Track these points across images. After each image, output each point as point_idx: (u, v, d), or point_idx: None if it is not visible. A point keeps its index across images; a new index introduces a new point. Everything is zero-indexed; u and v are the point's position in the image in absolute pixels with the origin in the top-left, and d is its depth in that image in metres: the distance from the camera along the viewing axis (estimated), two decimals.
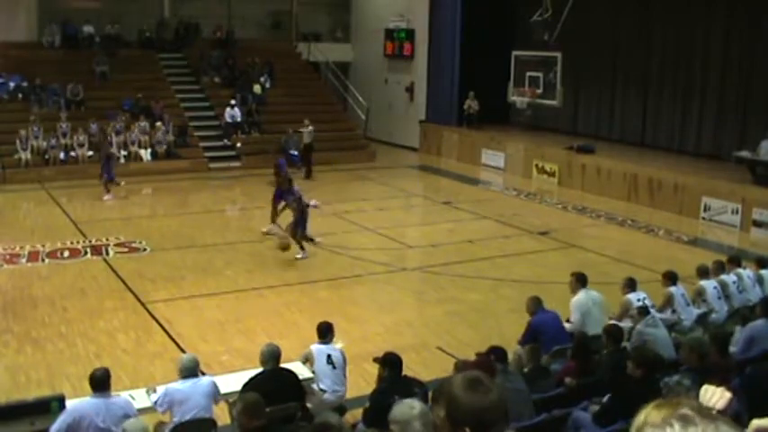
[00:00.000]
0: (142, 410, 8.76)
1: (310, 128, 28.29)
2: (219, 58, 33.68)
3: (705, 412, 2.31)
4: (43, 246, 18.73)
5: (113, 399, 8.24)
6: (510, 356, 9.62)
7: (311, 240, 18.88)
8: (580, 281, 12.28)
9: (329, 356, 10.05)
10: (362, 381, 10.41)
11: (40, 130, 27.66)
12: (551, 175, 27.92)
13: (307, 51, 36.55)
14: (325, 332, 10.32)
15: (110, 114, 29.40)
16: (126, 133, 28.81)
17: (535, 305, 11.55)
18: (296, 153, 29.61)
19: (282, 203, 19.72)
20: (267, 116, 31.98)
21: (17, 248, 18.48)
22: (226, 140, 30.46)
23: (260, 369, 9.21)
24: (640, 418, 2.39)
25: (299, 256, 18.22)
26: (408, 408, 4.84)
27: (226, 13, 35.32)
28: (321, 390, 9.91)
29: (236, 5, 35.52)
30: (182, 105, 31.67)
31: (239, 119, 30.94)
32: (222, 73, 33.26)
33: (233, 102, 31.16)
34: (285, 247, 18.08)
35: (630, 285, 12.48)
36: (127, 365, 11.96)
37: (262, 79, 33.35)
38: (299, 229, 18.34)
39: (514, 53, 29.32)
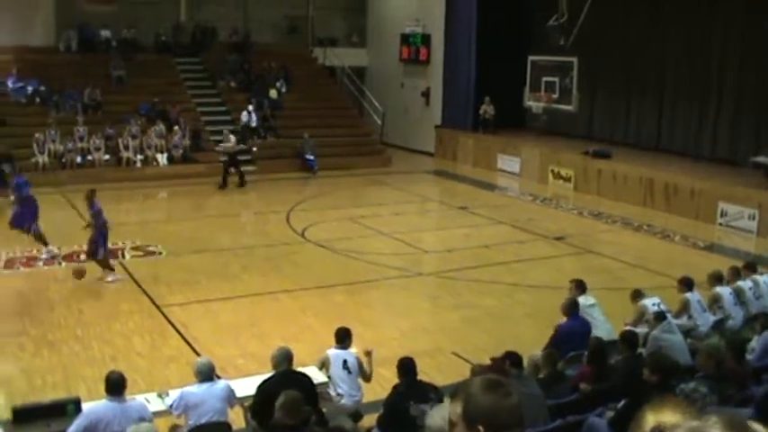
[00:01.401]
0: (157, 414, 8.79)
1: (231, 137, 27.92)
2: (236, 63, 33.75)
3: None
4: (59, 249, 18.78)
5: (129, 402, 8.26)
6: (525, 361, 9.62)
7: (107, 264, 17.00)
8: (579, 287, 12.32)
9: (345, 361, 10.05)
10: (378, 386, 10.40)
11: (57, 134, 27.79)
12: (567, 180, 27.87)
13: (323, 56, 36.61)
14: (343, 337, 10.32)
15: (126, 118, 29.48)
16: (142, 137, 28.91)
17: (570, 308, 11.51)
18: (312, 158, 29.70)
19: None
20: (283, 121, 32.03)
21: (34, 251, 18.53)
22: (242, 145, 30.48)
23: (272, 373, 9.22)
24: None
25: (109, 279, 16.70)
26: (442, 420, 4.81)
27: (242, 18, 35.41)
28: (338, 395, 9.91)
29: (253, 10, 35.61)
30: (198, 110, 31.74)
31: (255, 123, 30.99)
32: (238, 77, 33.32)
33: (249, 107, 31.20)
34: (80, 274, 16.25)
35: (638, 295, 12.47)
36: (142, 369, 11.99)
37: (278, 84, 33.42)
38: (100, 249, 16.62)
39: (530, 58, 29.35)
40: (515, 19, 32.11)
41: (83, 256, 17.48)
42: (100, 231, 16.60)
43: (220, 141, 27.98)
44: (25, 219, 18.15)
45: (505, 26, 31.40)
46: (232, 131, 28.31)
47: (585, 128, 31.21)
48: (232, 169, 27.04)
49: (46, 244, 18.28)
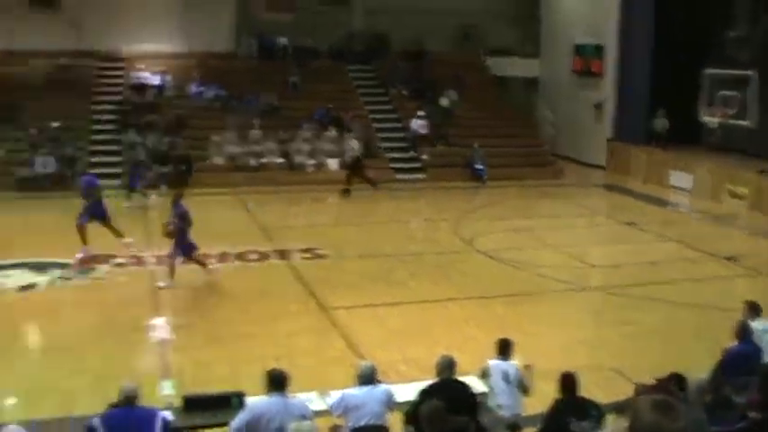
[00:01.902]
0: (317, 413, 8.96)
1: (353, 143, 27.86)
2: (408, 71, 34.08)
3: None
4: (232, 248, 19.38)
5: (291, 399, 8.45)
6: (690, 384, 9.38)
7: (203, 265, 17.20)
8: (753, 310, 11.81)
9: (506, 373, 10.00)
10: (537, 400, 10.32)
11: (233, 137, 28.73)
12: (742, 198, 26.94)
13: (495, 66, 36.56)
14: (505, 348, 10.27)
15: (300, 123, 30.22)
16: (315, 142, 29.54)
17: (742, 332, 11.05)
18: (481, 167, 29.71)
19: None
20: (454, 129, 32.14)
21: (208, 249, 19.16)
22: (413, 152, 30.80)
23: (434, 379, 9.28)
24: None
25: (161, 284, 16.71)
26: None
27: (416, 26, 35.64)
28: (498, 406, 9.88)
29: (426, 18, 35.75)
30: (370, 116, 32.23)
31: (426, 131, 31.22)
32: (410, 85, 33.65)
33: (420, 113, 31.50)
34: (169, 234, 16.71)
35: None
36: (305, 369, 12.19)
37: (449, 92, 33.54)
38: (176, 253, 16.74)
39: (707, 71, 28.53)
40: (692, 31, 31.23)
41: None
42: (182, 235, 16.68)
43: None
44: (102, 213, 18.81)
45: (681, 38, 30.61)
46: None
47: (763, 145, 30.01)
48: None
49: (85, 243, 18.58)
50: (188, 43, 32.55)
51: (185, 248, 16.76)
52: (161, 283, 16.69)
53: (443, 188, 28.43)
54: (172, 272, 16.73)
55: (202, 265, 17.21)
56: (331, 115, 30.85)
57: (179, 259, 16.86)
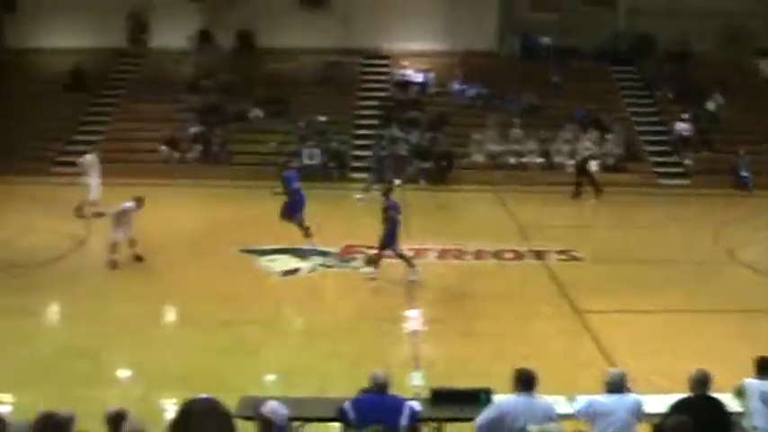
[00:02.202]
0: (563, 416, 8.91)
1: (584, 143, 26.89)
2: (673, 73, 33.15)
3: None
4: (488, 245, 19.53)
5: (538, 400, 8.44)
6: None
7: (407, 260, 17.08)
8: None
9: (764, 393, 9.58)
10: None
11: (494, 136, 28.99)
12: None
13: (765, 68, 34.84)
14: (764, 367, 9.84)
15: (561, 124, 30.06)
16: (575, 143, 29.29)
17: None
18: (747, 175, 28.53)
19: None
20: (720, 135, 30.98)
21: (465, 246, 19.42)
22: (676, 156, 29.98)
23: (687, 393, 9.03)
24: None
25: (412, 277, 16.86)
26: None
27: (681, 26, 34.43)
28: (753, 428, 9.51)
29: (693, 18, 34.44)
30: (632, 119, 31.58)
31: (689, 134, 30.30)
32: (675, 87, 32.69)
33: (684, 116, 30.62)
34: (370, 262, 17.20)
35: None
36: (553, 370, 12.06)
37: (716, 96, 32.33)
38: (387, 244, 16.79)
39: None
40: None
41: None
42: (390, 228, 16.77)
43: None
44: (290, 210, 19.12)
45: None
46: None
47: None
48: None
49: (310, 235, 19.12)
50: (451, 42, 33.15)
51: (388, 241, 16.89)
52: (411, 277, 16.97)
53: (706, 195, 27.46)
54: (410, 264, 17.04)
55: (376, 262, 17.33)
56: (591, 116, 30.49)
57: (396, 251, 17.04)
